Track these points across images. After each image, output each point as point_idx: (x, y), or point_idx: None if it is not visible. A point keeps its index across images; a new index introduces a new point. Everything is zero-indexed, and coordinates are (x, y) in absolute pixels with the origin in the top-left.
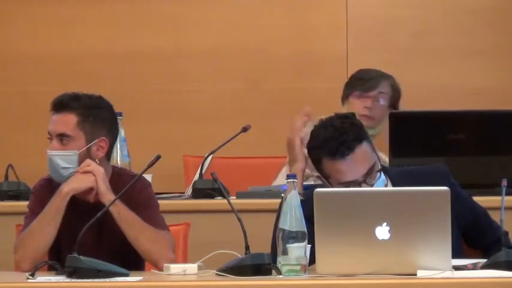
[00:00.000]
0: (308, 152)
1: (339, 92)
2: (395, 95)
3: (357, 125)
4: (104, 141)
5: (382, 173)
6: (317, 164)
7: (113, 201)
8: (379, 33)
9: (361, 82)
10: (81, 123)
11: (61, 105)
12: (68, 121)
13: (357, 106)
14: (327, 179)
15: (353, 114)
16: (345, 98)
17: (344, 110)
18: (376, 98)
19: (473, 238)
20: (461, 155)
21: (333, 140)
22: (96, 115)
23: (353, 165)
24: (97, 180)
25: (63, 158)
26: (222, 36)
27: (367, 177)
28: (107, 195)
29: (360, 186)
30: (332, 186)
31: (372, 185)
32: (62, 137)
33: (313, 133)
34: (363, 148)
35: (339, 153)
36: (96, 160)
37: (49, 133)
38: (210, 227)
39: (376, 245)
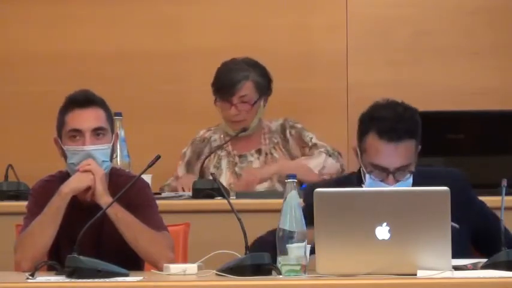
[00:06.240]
0: (360, 119)
1: (339, 92)
2: (261, 88)
3: (415, 120)
4: (116, 137)
5: (411, 176)
6: (362, 133)
7: (112, 203)
8: (379, 33)
9: (220, 88)
10: (108, 118)
11: (88, 100)
12: (100, 115)
13: (226, 113)
14: (361, 154)
15: (416, 110)
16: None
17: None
18: (239, 103)
19: (484, 244)
20: (461, 155)
21: (388, 121)
22: (110, 111)
23: (393, 153)
24: (95, 180)
25: (101, 152)
26: (222, 36)
27: (398, 172)
28: (104, 197)
29: (388, 176)
30: (361, 163)
31: (398, 181)
32: (97, 131)
33: (375, 105)
34: (409, 144)
35: (387, 136)
36: (115, 155)
37: (75, 130)
38: (209, 227)
39: (376, 245)
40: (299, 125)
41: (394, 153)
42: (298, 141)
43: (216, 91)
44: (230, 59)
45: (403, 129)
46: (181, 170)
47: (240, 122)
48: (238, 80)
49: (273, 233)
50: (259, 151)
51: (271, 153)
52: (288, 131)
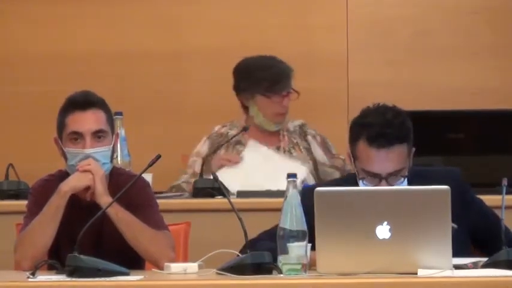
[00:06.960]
0: (350, 126)
1: (339, 91)
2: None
3: (406, 126)
4: (116, 137)
5: (406, 180)
6: (353, 140)
7: (111, 203)
8: (379, 33)
9: (277, 81)
10: (108, 119)
11: (89, 102)
12: (100, 117)
13: (278, 106)
14: (354, 160)
15: (407, 114)
16: (248, 96)
17: (251, 107)
18: (289, 94)
19: (484, 243)
20: (461, 155)
21: (377, 128)
22: (111, 112)
23: (384, 159)
24: (95, 179)
25: (102, 154)
26: (222, 36)
27: (390, 177)
28: (103, 197)
29: (380, 182)
30: (355, 168)
31: (391, 186)
32: (98, 134)
33: (365, 111)
34: (401, 149)
35: (376, 142)
36: (115, 154)
37: (76, 132)
38: (210, 226)
39: (377, 244)
40: (318, 132)
41: (386, 159)
42: (322, 147)
43: (273, 85)
44: (260, 56)
45: (393, 134)
46: (198, 166)
47: (285, 114)
48: (291, 70)
49: (266, 234)
50: (278, 148)
51: (290, 152)
52: (309, 135)
